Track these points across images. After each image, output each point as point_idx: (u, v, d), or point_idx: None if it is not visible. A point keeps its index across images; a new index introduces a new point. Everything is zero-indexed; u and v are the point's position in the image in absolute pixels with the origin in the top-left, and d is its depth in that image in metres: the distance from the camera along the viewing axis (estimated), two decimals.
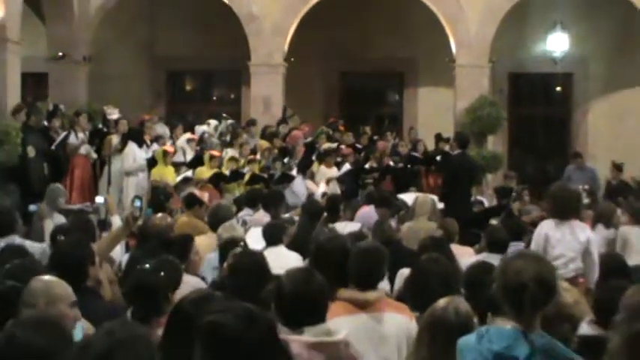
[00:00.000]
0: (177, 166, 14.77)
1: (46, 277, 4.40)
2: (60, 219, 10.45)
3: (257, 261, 5.49)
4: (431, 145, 18.16)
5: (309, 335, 3.97)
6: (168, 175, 14.34)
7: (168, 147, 15.20)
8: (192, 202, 10.42)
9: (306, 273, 4.25)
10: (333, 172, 15.81)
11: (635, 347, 2.86)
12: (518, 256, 3.80)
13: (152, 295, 5.02)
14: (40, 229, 10.27)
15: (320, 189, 14.86)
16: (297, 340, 3.95)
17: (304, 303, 4.01)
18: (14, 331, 3.22)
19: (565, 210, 7.57)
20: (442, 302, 4.01)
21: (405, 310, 5.00)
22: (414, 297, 5.11)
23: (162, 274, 5.33)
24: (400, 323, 4.86)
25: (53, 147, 14.74)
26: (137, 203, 7.07)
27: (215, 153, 15.16)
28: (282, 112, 18.96)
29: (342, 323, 4.45)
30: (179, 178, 13.80)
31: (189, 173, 14.22)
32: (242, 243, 7.19)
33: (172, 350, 3.61)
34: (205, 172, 14.58)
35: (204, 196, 11.74)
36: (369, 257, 5.05)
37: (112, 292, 6.55)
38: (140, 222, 7.76)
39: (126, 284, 5.82)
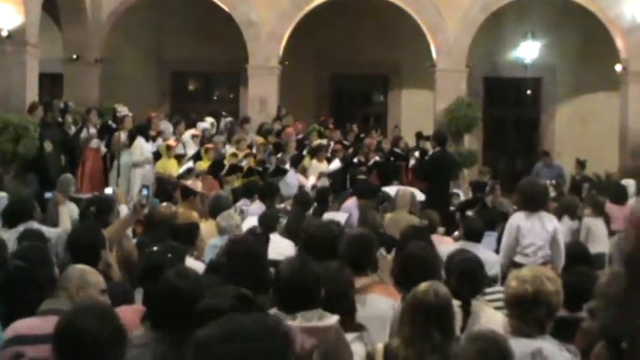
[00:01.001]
0: (180, 159, 14.73)
1: (81, 266, 4.46)
2: (72, 206, 10.40)
3: (250, 247, 5.45)
4: (412, 143, 18.14)
5: (302, 319, 3.91)
6: (171, 168, 14.30)
7: (171, 141, 15.17)
8: (186, 194, 10.35)
9: (303, 261, 4.20)
10: (324, 166, 15.81)
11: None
12: (476, 340, 3.55)
13: (159, 276, 4.98)
14: (55, 215, 10.20)
15: (310, 181, 14.86)
16: (289, 324, 3.91)
17: (299, 289, 3.96)
18: (73, 318, 3.24)
19: (533, 202, 7.56)
20: (423, 286, 3.99)
21: (391, 293, 4.98)
22: (398, 280, 5.10)
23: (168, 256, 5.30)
24: (385, 305, 4.85)
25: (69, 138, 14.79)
26: (145, 192, 7.00)
27: (209, 145, 15.14)
28: (277, 111, 18.94)
29: None
30: (182, 169, 13.75)
31: (190, 164, 14.18)
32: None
33: None
34: (203, 164, 14.55)
35: (198, 185, 11.68)
36: (360, 243, 5.03)
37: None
38: (146, 210, 7.70)
39: (135, 266, 5.80)
